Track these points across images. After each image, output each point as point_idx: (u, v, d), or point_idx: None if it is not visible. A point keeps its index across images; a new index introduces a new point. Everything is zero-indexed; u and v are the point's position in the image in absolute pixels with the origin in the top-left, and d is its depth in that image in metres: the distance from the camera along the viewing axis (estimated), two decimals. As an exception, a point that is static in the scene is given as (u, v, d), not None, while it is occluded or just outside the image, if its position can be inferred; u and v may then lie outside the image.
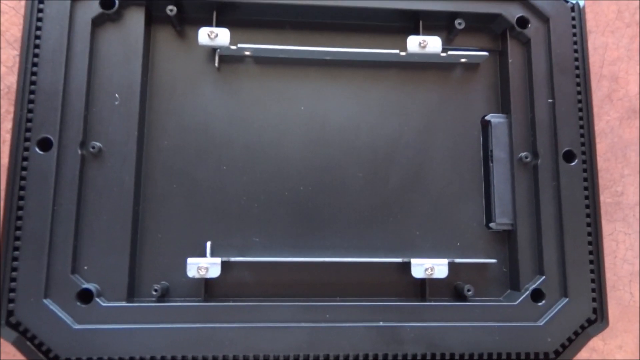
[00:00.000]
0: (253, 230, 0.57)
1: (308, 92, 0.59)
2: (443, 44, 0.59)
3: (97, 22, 0.56)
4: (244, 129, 0.59)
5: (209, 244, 0.56)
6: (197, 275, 0.53)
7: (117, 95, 0.55)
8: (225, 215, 0.57)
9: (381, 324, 0.53)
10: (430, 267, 0.55)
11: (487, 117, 0.60)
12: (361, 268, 0.57)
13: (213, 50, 0.59)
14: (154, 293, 0.53)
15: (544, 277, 0.56)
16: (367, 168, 0.59)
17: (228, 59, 0.60)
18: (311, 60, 0.59)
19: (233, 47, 0.57)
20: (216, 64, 0.59)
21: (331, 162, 0.59)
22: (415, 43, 0.59)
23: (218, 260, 0.54)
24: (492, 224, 0.59)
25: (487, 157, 0.60)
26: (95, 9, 0.56)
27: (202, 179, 0.58)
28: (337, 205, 0.58)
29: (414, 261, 0.56)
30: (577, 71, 0.59)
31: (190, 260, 0.53)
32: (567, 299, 0.55)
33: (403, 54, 0.59)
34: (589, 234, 0.57)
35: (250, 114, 0.59)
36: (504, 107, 0.61)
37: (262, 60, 0.60)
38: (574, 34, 0.60)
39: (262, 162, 0.58)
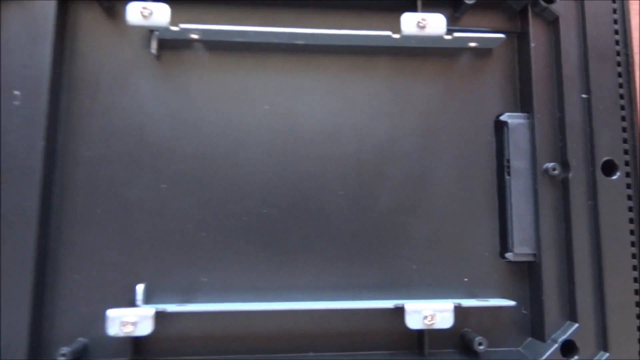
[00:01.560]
0: (201, 267, 0.45)
1: (274, 87, 0.48)
2: (448, 24, 0.47)
3: (-10, -5, 0.43)
4: (191, 135, 0.47)
5: (140, 287, 0.43)
6: (120, 333, 0.41)
7: (16, 92, 0.43)
8: (165, 247, 0.45)
9: (368, 391, 0.41)
10: (430, 314, 0.43)
11: (502, 117, 0.48)
12: (342, 315, 0.46)
13: (149, 32, 0.46)
14: (61, 359, 0.40)
15: (577, 325, 0.45)
16: (350, 184, 0.47)
17: (169, 44, 0.47)
18: (278, 45, 0.48)
19: (175, 28, 0.45)
20: (153, 51, 0.46)
21: (304, 178, 0.47)
22: (412, 22, 0.46)
23: (150, 311, 0.41)
24: (509, 254, 0.47)
25: (503, 168, 0.48)
26: (-15, -24, 0.43)
27: (135, 200, 0.45)
28: (312, 233, 0.47)
29: (409, 306, 0.44)
30: (618, 58, 0.48)
31: (110, 313, 0.41)
32: (608, 354, 0.44)
33: (396, 36, 0.47)
34: (635, 268, 0.45)
35: (199, 115, 0.47)
36: (524, 105, 0.49)
37: (214, 46, 0.48)
38: (614, 11, 0.49)
39: (213, 177, 0.46)
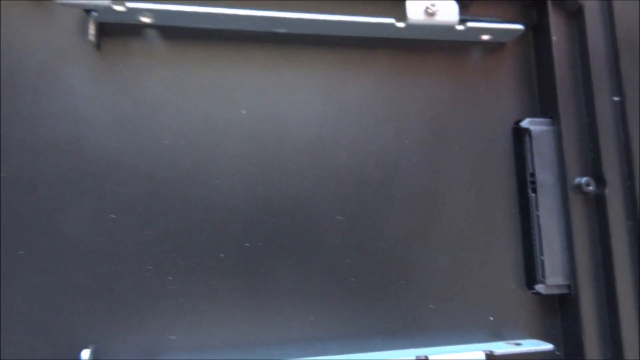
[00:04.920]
0: (167, 321, 0.36)
1: (252, 87, 0.40)
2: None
3: None
4: (145, 148, 0.37)
5: (86, 353, 0.33)
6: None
7: None
8: (117, 297, 0.35)
9: None
10: (461, 367, 0.36)
11: (523, 124, 0.42)
12: (350, 373, 0.37)
13: (85, 13, 0.36)
14: None
15: (623, 368, 0.39)
16: (350, 207, 0.40)
17: (112, 30, 0.38)
18: (256, 34, 0.40)
19: (119, 8, 0.36)
20: (91, 37, 0.36)
21: (294, 200, 0.39)
22: (419, 9, 0.40)
23: (103, 385, 0.32)
24: (539, 286, 0.41)
25: (526, 183, 0.42)
26: None
27: (74, 236, 0.35)
28: (306, 270, 0.38)
29: (434, 358, 0.36)
30: (652, 54, 0.43)
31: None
32: (660, 401, 0.38)
33: (401, 25, 0.40)
34: (686, 297, 0.41)
35: (154, 122, 0.38)
36: (545, 109, 0.44)
37: (173, 33, 0.39)
38: (645, -1, 0.43)
39: (178, 203, 0.37)
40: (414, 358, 0.37)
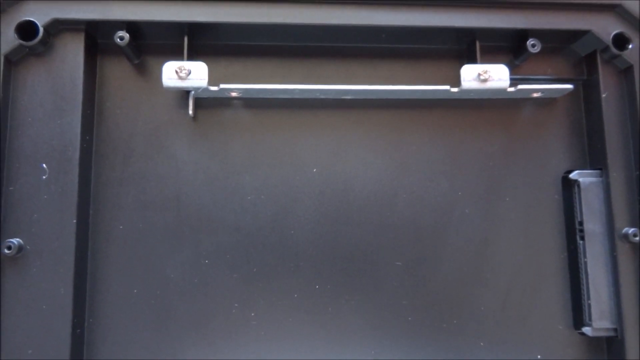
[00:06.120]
0: (251, 351, 0.43)
1: (322, 147, 0.46)
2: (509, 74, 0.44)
3: (14, 58, 0.41)
4: (232, 203, 0.44)
5: (186, 377, 0.41)
6: None
7: (44, 165, 0.40)
8: (210, 330, 0.43)
9: None
10: (508, 402, 0.41)
11: (572, 176, 0.46)
12: (406, 402, 0.43)
13: (185, 92, 0.44)
14: None
15: (669, 410, 0.41)
16: (408, 253, 0.45)
17: (207, 104, 0.45)
18: (325, 101, 0.46)
19: (214, 88, 0.43)
20: (190, 112, 0.44)
21: (357, 247, 0.45)
22: (472, 74, 0.44)
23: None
24: (586, 329, 0.44)
25: (574, 231, 0.46)
26: (10, 39, 0.40)
27: (175, 278, 0.43)
28: (369, 308, 0.44)
29: (483, 392, 0.41)
30: (700, 109, 0.45)
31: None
32: None
33: (455, 90, 0.44)
34: None
35: (240, 180, 0.45)
36: (594, 161, 0.47)
37: (256, 104, 0.46)
38: (695, 57, 0.45)
39: (259, 250, 0.44)
40: (464, 391, 0.42)
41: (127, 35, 0.41)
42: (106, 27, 0.42)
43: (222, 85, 0.43)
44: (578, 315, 0.45)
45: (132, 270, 0.43)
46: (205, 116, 0.45)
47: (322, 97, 0.45)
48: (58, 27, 0.42)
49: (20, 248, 0.39)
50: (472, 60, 0.46)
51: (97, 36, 0.44)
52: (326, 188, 0.45)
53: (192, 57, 0.44)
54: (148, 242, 0.43)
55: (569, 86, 0.45)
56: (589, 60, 0.47)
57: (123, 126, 0.44)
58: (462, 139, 0.47)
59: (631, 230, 0.43)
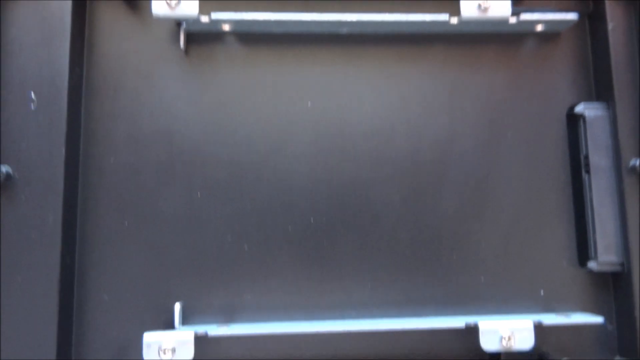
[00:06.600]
0: (243, 283, 0.42)
1: (317, 81, 0.45)
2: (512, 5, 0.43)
3: (3, -12, 0.41)
4: (226, 138, 0.44)
5: (178, 307, 0.40)
6: (159, 360, 0.38)
7: (32, 95, 0.40)
8: (202, 262, 0.42)
9: None
10: (508, 334, 0.39)
11: (577, 109, 0.45)
12: (404, 336, 0.42)
13: (176, 24, 0.43)
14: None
15: (677, 343, 0.40)
16: (407, 188, 0.44)
17: (198, 37, 0.44)
18: (321, 35, 0.45)
19: (205, 20, 0.42)
20: (181, 45, 0.43)
21: (354, 182, 0.44)
22: (472, 5, 0.43)
23: (190, 334, 0.38)
24: (591, 263, 0.43)
25: (579, 166, 0.44)
26: (-3, -33, 0.40)
27: (167, 211, 0.42)
28: (366, 243, 0.43)
29: (484, 325, 0.40)
30: None
31: (147, 337, 0.38)
32: None
33: (454, 21, 0.43)
34: None
35: (234, 115, 0.44)
36: (600, 94, 0.45)
37: (249, 38, 0.45)
38: None
39: (253, 184, 0.43)
40: (464, 324, 0.40)
41: (116, -39, 0.41)
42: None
43: (214, 15, 0.42)
44: (583, 250, 0.44)
45: (124, 203, 0.42)
46: (197, 51, 0.44)
47: (318, 30, 0.45)
48: (47, -43, 0.41)
49: (8, 176, 0.39)
50: (473, -9, 0.45)
51: (86, -33, 0.43)
52: (321, 122, 0.44)
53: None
54: (140, 175, 0.43)
55: (574, 15, 0.44)
56: (595, -9, 0.46)
57: (114, 60, 0.44)
58: (462, 74, 0.46)
59: (638, 161, 0.42)
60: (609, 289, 0.44)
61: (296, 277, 0.42)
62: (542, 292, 0.43)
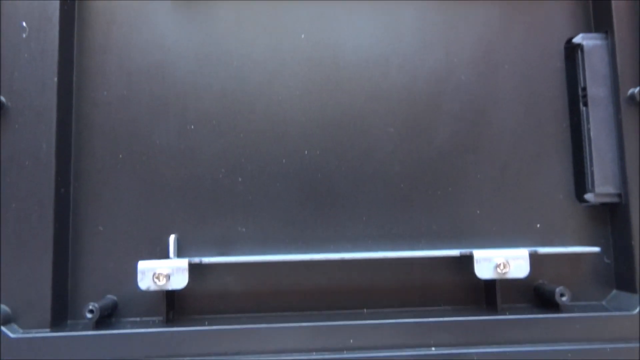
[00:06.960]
0: (237, 215, 0.42)
1: (311, 13, 0.45)
2: None
3: None
4: (219, 70, 0.43)
5: (172, 238, 0.40)
6: (153, 287, 0.38)
7: (24, 24, 0.40)
8: (196, 195, 0.42)
9: (433, 350, 0.37)
10: (503, 262, 0.39)
11: (575, 40, 0.44)
12: (398, 266, 0.42)
13: (169, -45, 0.43)
14: (88, 316, 0.37)
15: (673, 273, 0.40)
16: (401, 120, 0.44)
17: (192, -31, 0.44)
18: None
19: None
20: (174, -25, 0.43)
21: (349, 114, 0.43)
22: None
23: (184, 262, 0.38)
24: (588, 195, 0.42)
25: (577, 98, 0.44)
26: None
27: (160, 144, 0.42)
28: (361, 175, 0.43)
29: (479, 254, 0.40)
30: None
31: (142, 265, 0.38)
32: None
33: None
34: None
35: (227, 48, 0.44)
36: (599, 23, 0.45)
37: (243, -31, 0.44)
38: None
39: (247, 116, 0.43)
40: (458, 254, 0.40)
41: None
42: None
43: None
44: (580, 183, 0.43)
45: (117, 135, 0.42)
46: (190, -16, 0.44)
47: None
48: None
49: (1, 105, 0.39)
50: None
51: None
52: (314, 54, 0.44)
53: None
54: (133, 108, 0.42)
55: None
56: None
57: (106, -5, 0.44)
58: (459, 5, 0.45)
59: (637, 90, 0.41)
60: (606, 223, 0.43)
61: (290, 210, 0.42)
62: (538, 226, 0.43)
